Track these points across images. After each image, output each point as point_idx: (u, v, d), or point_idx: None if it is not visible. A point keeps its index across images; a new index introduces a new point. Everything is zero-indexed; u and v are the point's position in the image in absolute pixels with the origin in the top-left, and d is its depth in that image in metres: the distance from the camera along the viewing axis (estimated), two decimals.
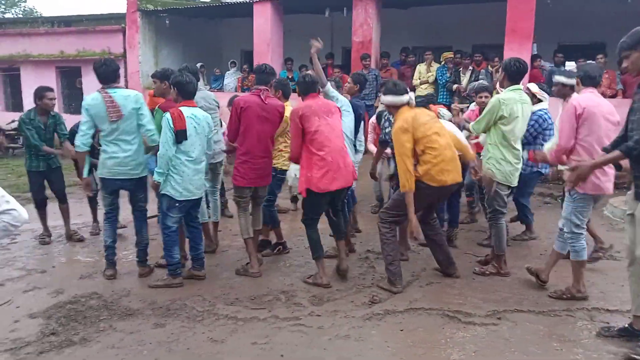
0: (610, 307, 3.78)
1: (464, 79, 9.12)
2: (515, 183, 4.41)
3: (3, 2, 33.28)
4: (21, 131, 5.41)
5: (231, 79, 12.15)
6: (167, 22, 12.71)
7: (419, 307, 3.82)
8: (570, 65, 9.78)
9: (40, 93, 5.35)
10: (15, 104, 15.19)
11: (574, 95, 4.18)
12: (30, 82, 12.96)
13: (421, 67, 9.82)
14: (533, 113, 4.86)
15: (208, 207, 5.09)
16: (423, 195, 4.05)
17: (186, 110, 4.12)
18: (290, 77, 11.51)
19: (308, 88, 4.29)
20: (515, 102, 4.22)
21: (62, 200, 5.66)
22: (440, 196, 4.34)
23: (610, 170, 3.78)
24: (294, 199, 6.85)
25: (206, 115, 4.31)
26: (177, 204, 4.18)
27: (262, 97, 4.39)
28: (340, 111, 4.47)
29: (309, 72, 4.99)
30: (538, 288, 4.15)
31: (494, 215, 4.40)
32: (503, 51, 9.22)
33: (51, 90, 5.47)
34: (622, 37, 3.10)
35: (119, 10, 13.91)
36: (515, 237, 5.43)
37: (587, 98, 3.86)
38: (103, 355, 3.18)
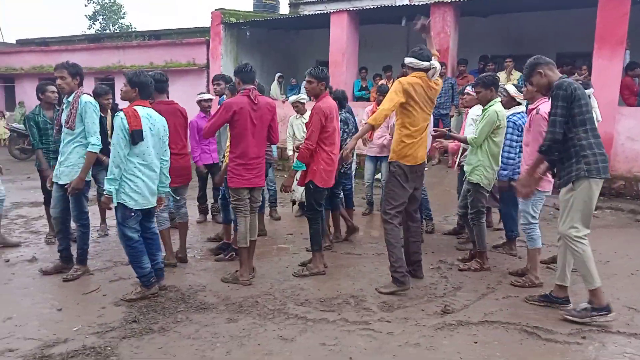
0: None
1: None
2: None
3: (104, 19, 36.40)
4: (27, 129, 5.46)
5: None
6: (247, 34, 13.25)
7: (495, 320, 3.66)
8: None
9: (42, 87, 5.46)
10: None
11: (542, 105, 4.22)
12: None
13: (501, 75, 9.49)
14: (508, 119, 4.76)
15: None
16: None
17: (141, 110, 3.94)
18: (364, 85, 11.55)
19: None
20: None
21: None
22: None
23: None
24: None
25: (162, 118, 4.14)
26: (134, 214, 3.96)
27: (251, 96, 4.28)
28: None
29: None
30: (630, 310, 3.84)
31: (476, 215, 4.72)
32: (591, 59, 8.71)
33: (53, 84, 5.21)
34: None
35: (203, 24, 14.66)
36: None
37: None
38: (179, 345, 3.32)
